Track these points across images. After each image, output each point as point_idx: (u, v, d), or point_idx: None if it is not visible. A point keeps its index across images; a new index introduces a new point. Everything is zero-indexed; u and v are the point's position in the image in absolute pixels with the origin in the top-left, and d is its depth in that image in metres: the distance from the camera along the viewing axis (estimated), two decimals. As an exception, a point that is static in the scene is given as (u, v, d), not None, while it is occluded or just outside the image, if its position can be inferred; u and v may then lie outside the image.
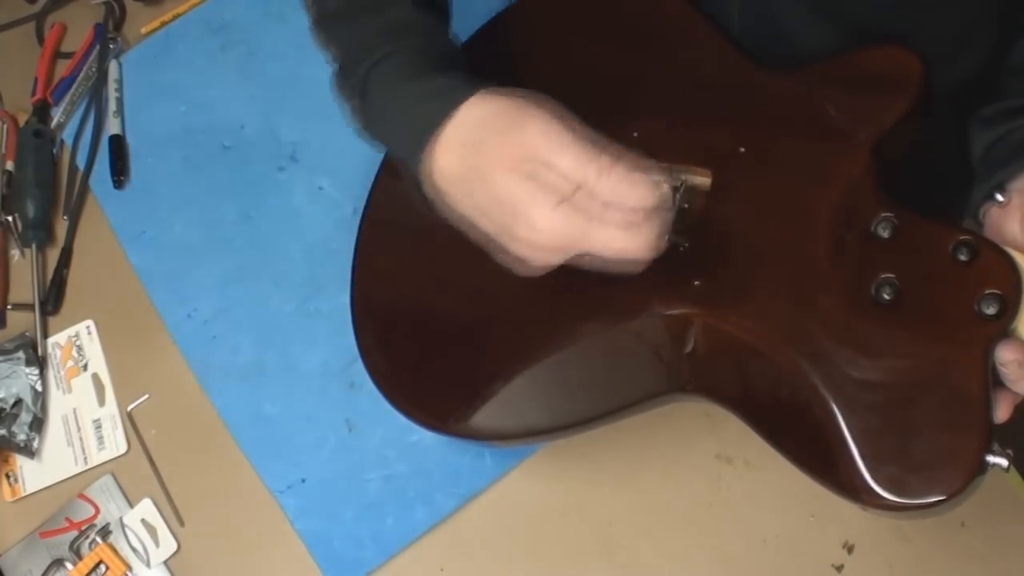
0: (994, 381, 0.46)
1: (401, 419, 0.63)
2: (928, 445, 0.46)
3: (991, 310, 0.46)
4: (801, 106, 0.55)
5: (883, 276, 0.49)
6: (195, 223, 0.75)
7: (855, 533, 0.60)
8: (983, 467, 0.45)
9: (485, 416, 0.57)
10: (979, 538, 0.59)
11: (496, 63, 0.63)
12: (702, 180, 0.55)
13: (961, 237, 0.47)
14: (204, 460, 0.68)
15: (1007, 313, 0.46)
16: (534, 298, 0.58)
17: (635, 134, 0.58)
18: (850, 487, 0.47)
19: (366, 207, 0.66)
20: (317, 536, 0.64)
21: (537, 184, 0.45)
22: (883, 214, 0.50)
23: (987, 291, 0.46)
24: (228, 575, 0.66)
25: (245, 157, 0.76)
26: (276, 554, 0.65)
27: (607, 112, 0.59)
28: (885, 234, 0.50)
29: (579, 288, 0.55)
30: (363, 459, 0.66)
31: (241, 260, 0.73)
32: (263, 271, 0.72)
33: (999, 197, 0.50)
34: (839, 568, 0.59)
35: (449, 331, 0.60)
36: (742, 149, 0.55)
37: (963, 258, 0.47)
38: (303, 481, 0.66)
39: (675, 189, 0.55)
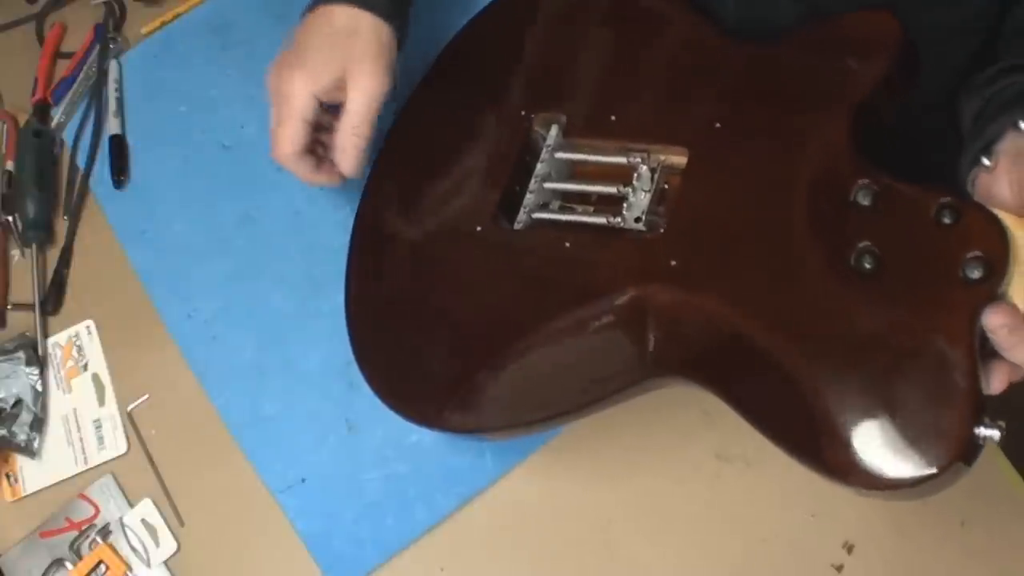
0: (988, 351, 0.44)
1: (401, 419, 0.64)
2: (915, 419, 0.43)
3: (976, 273, 0.43)
4: (777, 77, 0.54)
5: (862, 245, 0.47)
6: (195, 223, 0.75)
7: (855, 533, 0.60)
8: (973, 440, 0.43)
9: (476, 409, 0.57)
10: (979, 537, 0.59)
11: (490, 48, 0.67)
12: (678, 160, 0.55)
13: (943, 199, 0.45)
14: (204, 460, 0.68)
15: (993, 276, 0.43)
16: (517, 289, 0.58)
17: (612, 118, 0.59)
18: (836, 467, 0.45)
19: (358, 209, 0.67)
20: (317, 536, 0.64)
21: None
22: (861, 180, 0.48)
23: (972, 254, 0.44)
24: (228, 575, 0.66)
25: (245, 157, 0.76)
26: (276, 554, 0.65)
27: (587, 98, 0.61)
28: (865, 202, 0.47)
29: (559, 276, 0.56)
30: (363, 459, 0.65)
31: (241, 260, 0.73)
32: (263, 271, 0.72)
33: (986, 161, 0.48)
34: (839, 568, 0.59)
35: (437, 327, 0.60)
36: (717, 124, 0.54)
37: (946, 221, 0.45)
38: (303, 481, 0.66)
39: (652, 171, 0.56)
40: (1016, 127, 0.47)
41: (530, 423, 0.57)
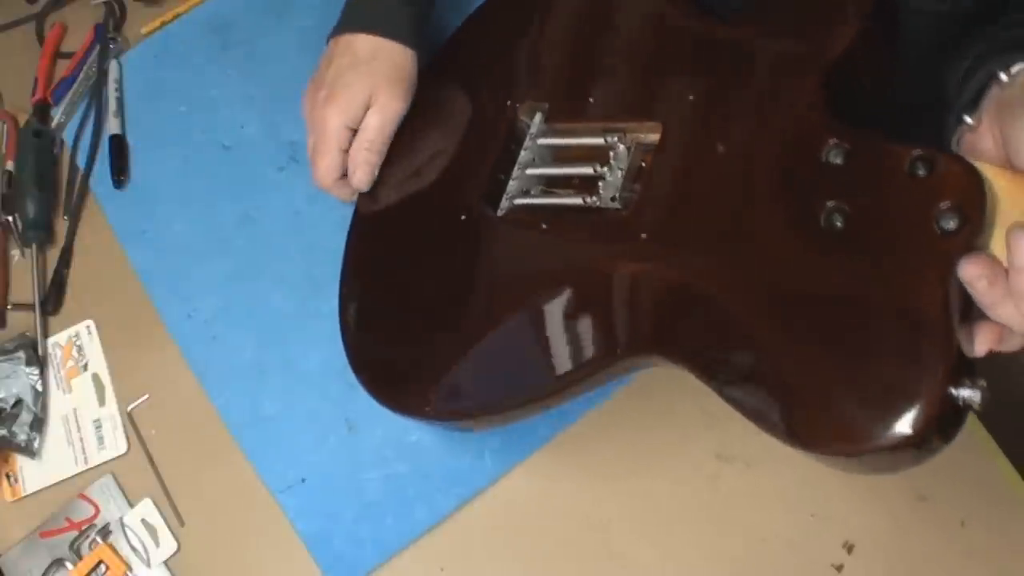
0: (971, 312, 0.41)
1: (401, 419, 0.64)
2: (887, 380, 0.41)
3: (951, 223, 0.40)
4: (751, 41, 0.54)
5: (832, 203, 0.45)
6: (195, 223, 0.75)
7: (855, 533, 0.60)
8: (950, 401, 0.40)
9: (457, 395, 0.58)
10: (979, 537, 0.59)
11: (481, 45, 0.69)
12: (652, 135, 0.55)
13: (917, 152, 0.43)
14: (204, 460, 0.68)
15: (968, 225, 0.40)
16: (495, 274, 0.59)
17: (591, 100, 0.59)
18: (807, 434, 0.43)
19: (356, 206, 0.69)
20: (317, 536, 0.64)
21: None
22: (832, 140, 0.46)
23: (946, 204, 0.41)
24: (228, 575, 0.66)
25: (245, 157, 0.76)
26: (276, 554, 0.65)
27: (567, 83, 0.62)
28: (837, 161, 0.46)
29: (535, 258, 0.57)
30: (363, 459, 0.65)
31: (241, 260, 0.73)
32: (263, 271, 0.72)
33: (968, 119, 0.45)
34: (839, 568, 0.59)
35: (420, 316, 0.61)
36: (691, 97, 0.54)
37: (920, 173, 0.42)
38: (303, 481, 0.66)
39: (628, 149, 0.56)
40: (997, 79, 0.45)
41: (512, 407, 0.56)
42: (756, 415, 0.45)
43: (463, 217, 0.62)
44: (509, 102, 0.64)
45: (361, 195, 0.68)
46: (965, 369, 0.40)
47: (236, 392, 0.69)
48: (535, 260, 0.57)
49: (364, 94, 0.64)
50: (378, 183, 0.67)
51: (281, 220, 0.73)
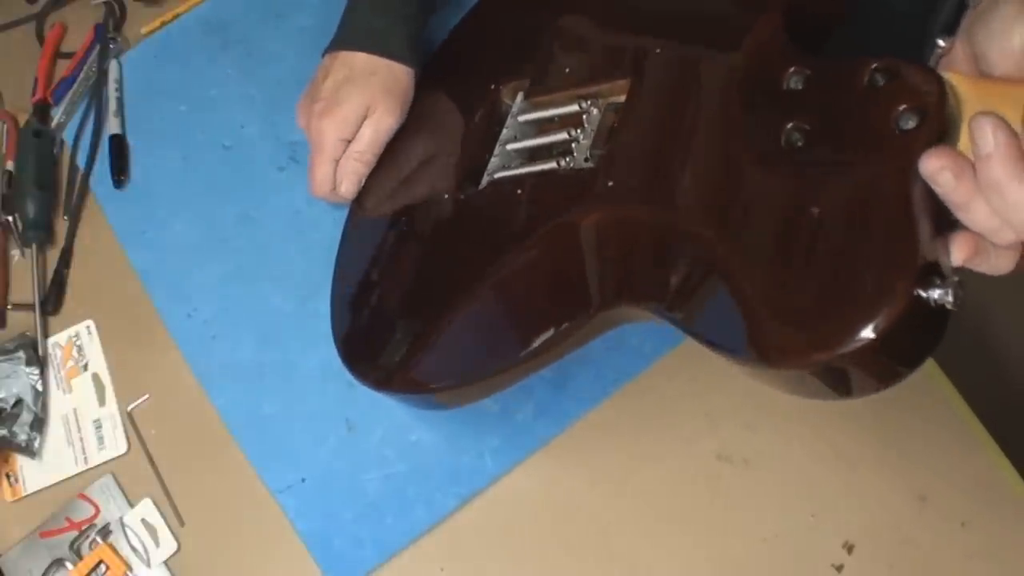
0: (944, 222, 0.39)
1: (401, 418, 0.64)
2: (852, 286, 0.39)
3: (911, 122, 0.39)
4: None
5: (791, 124, 0.44)
6: (195, 223, 0.75)
7: (855, 533, 0.60)
8: (920, 303, 0.37)
9: (436, 367, 0.58)
10: (980, 538, 0.59)
11: (471, 40, 0.71)
12: (621, 96, 0.56)
13: (875, 63, 0.42)
14: (204, 460, 0.68)
15: (928, 121, 0.39)
16: (472, 244, 0.59)
17: (567, 70, 0.60)
18: (775, 351, 0.41)
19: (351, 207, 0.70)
20: (317, 536, 0.64)
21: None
22: (792, 68, 0.46)
23: (905, 106, 0.40)
24: (228, 575, 0.66)
25: (245, 157, 0.76)
26: (276, 554, 0.65)
27: (545, 58, 0.63)
28: (797, 87, 0.45)
29: (508, 221, 0.57)
30: (363, 459, 0.66)
31: (241, 260, 0.73)
32: (263, 271, 0.72)
33: (940, 42, 0.43)
34: (839, 568, 0.59)
35: (400, 293, 0.62)
36: (657, 50, 0.55)
37: (880, 81, 0.41)
38: (303, 481, 0.66)
39: (599, 111, 0.57)
40: (969, 3, 0.43)
41: (492, 374, 0.56)
42: (723, 341, 0.44)
43: (445, 196, 0.63)
44: (493, 86, 0.65)
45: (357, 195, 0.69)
46: (934, 270, 0.38)
47: (236, 392, 0.69)
48: (509, 227, 0.58)
49: (361, 108, 0.65)
50: (374, 185, 0.68)
51: (281, 220, 0.73)
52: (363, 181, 0.67)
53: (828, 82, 0.44)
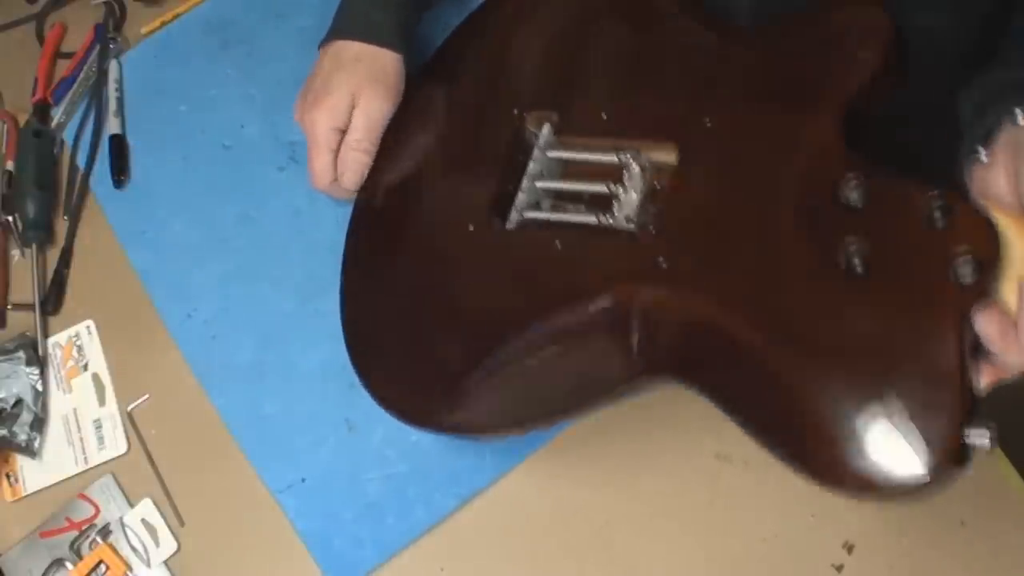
0: (978, 351, 0.43)
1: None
2: (903, 424, 0.43)
3: (967, 275, 0.42)
4: (766, 70, 0.54)
5: (852, 244, 0.46)
6: (195, 223, 0.75)
7: (855, 533, 0.60)
8: (963, 446, 0.42)
9: (467, 410, 0.58)
10: (979, 538, 0.59)
11: (482, 47, 0.68)
12: (667, 157, 0.55)
13: (934, 195, 0.44)
14: (204, 460, 0.68)
15: (983, 278, 0.42)
16: (508, 290, 0.58)
17: (604, 116, 0.59)
18: (826, 473, 0.45)
19: (352, 212, 0.68)
20: (317, 536, 0.64)
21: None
22: (850, 175, 0.47)
23: (962, 254, 0.43)
24: (228, 575, 0.66)
25: (245, 157, 0.76)
26: (276, 554, 0.65)
27: (579, 95, 0.61)
28: (854, 197, 0.47)
29: (549, 277, 0.56)
30: (363, 459, 0.65)
31: (241, 260, 0.73)
32: (263, 271, 0.72)
33: (982, 153, 0.47)
34: (839, 568, 0.59)
35: (430, 328, 0.61)
36: (708, 121, 0.54)
37: (938, 218, 0.44)
38: (303, 481, 0.66)
39: (643, 168, 0.56)
40: (1013, 120, 0.46)
41: (522, 424, 0.57)
42: (776, 452, 0.47)
43: (471, 228, 0.61)
44: (516, 111, 0.63)
45: (361, 198, 0.68)
46: (976, 410, 0.42)
47: (236, 392, 0.69)
48: (550, 280, 0.56)
49: (348, 96, 0.65)
50: (377, 187, 0.67)
51: (281, 220, 0.73)
52: (366, 171, 0.67)
53: (887, 202, 0.46)
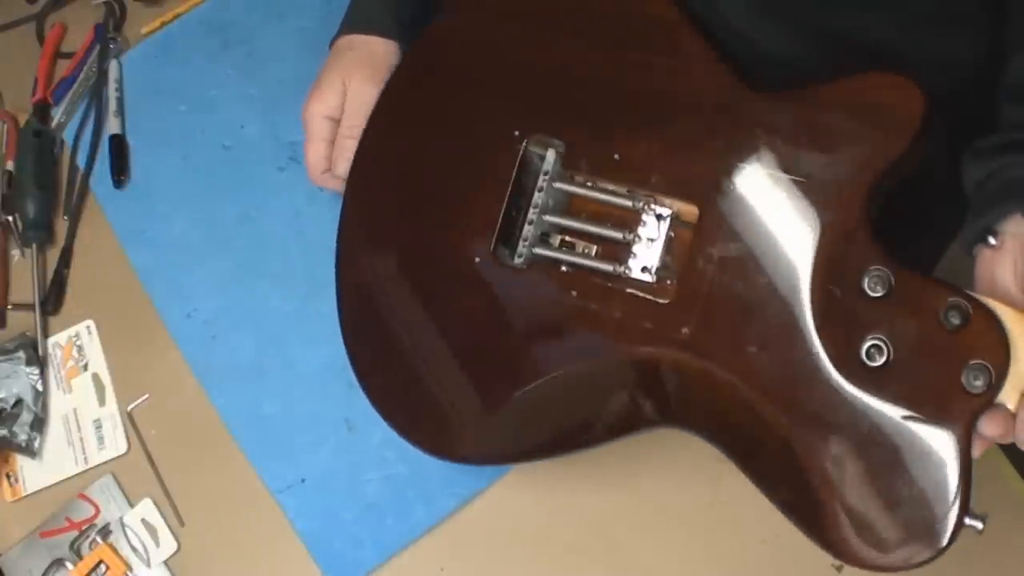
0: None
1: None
2: (910, 513, 0.47)
3: (978, 384, 0.46)
4: (790, 139, 0.52)
5: (873, 338, 0.48)
6: (195, 223, 0.75)
7: (855, 533, 0.60)
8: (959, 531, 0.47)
9: (474, 443, 0.58)
10: (980, 538, 0.59)
11: (469, 53, 0.62)
12: (689, 210, 0.54)
13: (952, 298, 0.47)
14: (204, 460, 0.68)
15: (993, 387, 0.46)
16: (522, 333, 0.57)
17: (616, 156, 0.56)
18: (837, 548, 0.49)
19: (339, 227, 0.65)
20: (317, 536, 0.64)
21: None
22: (874, 267, 0.49)
23: (975, 361, 0.46)
24: (228, 575, 0.66)
25: (245, 157, 0.76)
26: (276, 554, 0.65)
27: (588, 126, 0.58)
28: (877, 289, 0.48)
29: (567, 328, 0.56)
30: (363, 459, 0.66)
31: (241, 260, 0.73)
32: (263, 271, 0.72)
33: (991, 240, 0.49)
34: (839, 568, 0.59)
35: (438, 360, 0.59)
36: (728, 183, 0.52)
37: (954, 321, 0.47)
38: (303, 481, 0.66)
39: (659, 218, 0.55)
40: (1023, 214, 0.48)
41: (531, 456, 0.59)
42: (791, 518, 0.51)
43: (477, 259, 0.58)
44: (517, 132, 0.59)
45: (354, 214, 0.65)
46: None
47: (236, 392, 0.69)
48: (566, 327, 0.56)
49: (338, 83, 0.65)
50: (371, 202, 0.64)
51: (281, 220, 0.73)
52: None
53: (907, 299, 0.48)
